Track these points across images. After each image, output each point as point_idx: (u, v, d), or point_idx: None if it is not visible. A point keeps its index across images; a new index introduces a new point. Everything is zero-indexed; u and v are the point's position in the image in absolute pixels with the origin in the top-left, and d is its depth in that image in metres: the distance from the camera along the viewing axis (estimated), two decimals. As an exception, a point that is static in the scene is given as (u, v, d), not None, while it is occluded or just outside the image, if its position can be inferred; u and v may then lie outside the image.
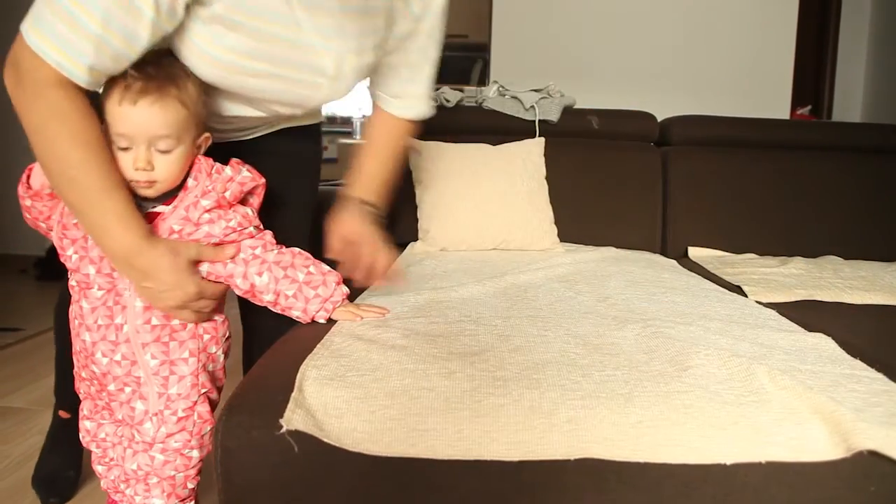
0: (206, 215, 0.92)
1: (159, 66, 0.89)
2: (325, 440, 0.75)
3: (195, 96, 0.92)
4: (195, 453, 0.98)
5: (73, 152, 0.83)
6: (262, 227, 1.00)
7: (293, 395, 0.78)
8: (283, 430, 0.75)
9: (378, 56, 1.11)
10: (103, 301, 0.94)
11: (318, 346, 0.91)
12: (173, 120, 0.88)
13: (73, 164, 0.84)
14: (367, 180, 1.26)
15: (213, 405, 1.02)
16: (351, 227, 1.19)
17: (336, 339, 0.93)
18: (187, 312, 0.93)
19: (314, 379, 0.80)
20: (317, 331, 0.98)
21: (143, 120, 0.86)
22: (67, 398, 1.32)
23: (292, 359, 0.87)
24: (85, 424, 1.03)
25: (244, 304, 1.10)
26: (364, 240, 1.17)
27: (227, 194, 0.94)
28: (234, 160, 0.98)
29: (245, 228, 0.96)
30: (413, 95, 1.25)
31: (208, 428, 0.98)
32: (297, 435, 0.75)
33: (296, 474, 0.77)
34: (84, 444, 1.03)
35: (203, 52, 0.92)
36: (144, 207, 0.92)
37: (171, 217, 0.92)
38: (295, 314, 1.01)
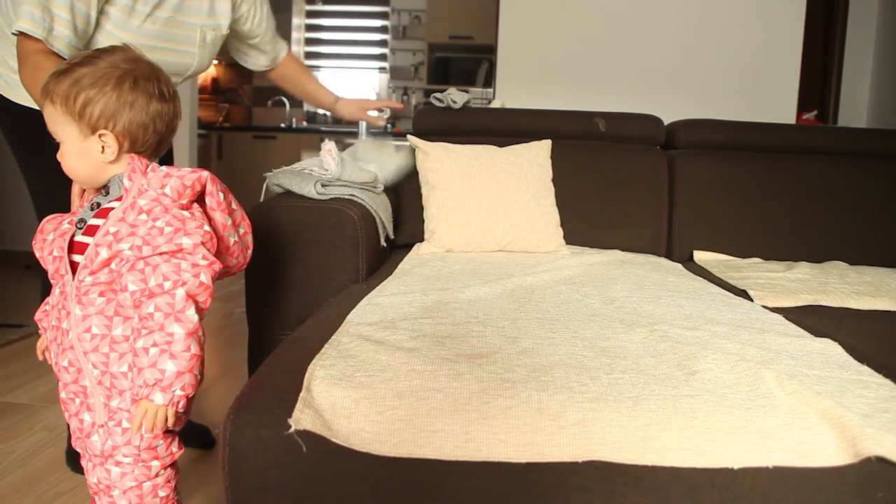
0: (143, 216, 0.88)
1: (66, 67, 0.91)
2: (334, 440, 0.75)
3: (67, 93, 0.89)
4: (155, 463, 0.93)
5: None
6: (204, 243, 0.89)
7: (301, 394, 0.79)
8: (292, 429, 0.75)
9: (227, 31, 1.51)
10: (57, 302, 0.93)
11: (326, 346, 0.91)
12: (48, 115, 0.92)
13: None
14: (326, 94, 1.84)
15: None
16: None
17: (344, 339, 0.94)
18: None
19: (322, 379, 0.81)
20: (324, 331, 0.98)
21: None
22: None
23: (300, 359, 0.87)
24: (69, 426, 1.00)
25: None
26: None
27: (168, 189, 0.89)
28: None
29: (177, 230, 0.86)
30: (278, 49, 1.73)
31: (161, 442, 0.93)
32: (306, 435, 0.75)
33: (304, 474, 0.77)
34: (73, 446, 1.00)
35: (112, 36, 1.26)
36: (101, 203, 0.93)
37: (110, 219, 0.89)
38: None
